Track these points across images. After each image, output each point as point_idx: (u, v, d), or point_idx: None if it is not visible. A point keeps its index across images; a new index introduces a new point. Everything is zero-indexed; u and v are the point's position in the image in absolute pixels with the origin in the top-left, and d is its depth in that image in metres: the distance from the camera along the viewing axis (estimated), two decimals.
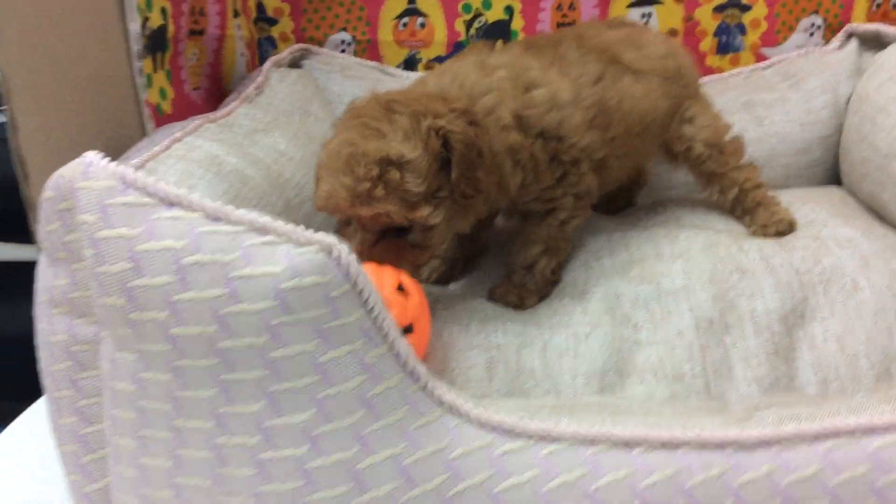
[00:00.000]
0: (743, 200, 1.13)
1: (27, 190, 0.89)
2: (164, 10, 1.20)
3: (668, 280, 0.96)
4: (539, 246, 1.02)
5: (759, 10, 1.50)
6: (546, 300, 1.00)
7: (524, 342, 0.90)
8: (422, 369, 0.69)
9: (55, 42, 0.96)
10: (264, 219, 0.65)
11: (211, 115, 1.08)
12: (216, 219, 0.65)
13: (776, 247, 1.00)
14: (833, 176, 1.35)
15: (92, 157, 0.68)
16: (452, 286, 1.07)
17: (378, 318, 0.66)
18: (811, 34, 1.51)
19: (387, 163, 0.82)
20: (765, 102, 1.35)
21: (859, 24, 1.41)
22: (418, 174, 0.83)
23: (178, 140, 0.93)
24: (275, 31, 1.57)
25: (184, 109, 1.26)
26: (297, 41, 1.56)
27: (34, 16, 0.92)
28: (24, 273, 0.81)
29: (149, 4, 1.15)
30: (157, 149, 0.89)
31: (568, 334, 0.91)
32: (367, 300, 0.65)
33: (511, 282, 1.02)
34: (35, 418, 0.99)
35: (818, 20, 1.50)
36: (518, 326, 0.92)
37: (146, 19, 1.15)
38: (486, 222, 1.11)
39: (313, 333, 0.64)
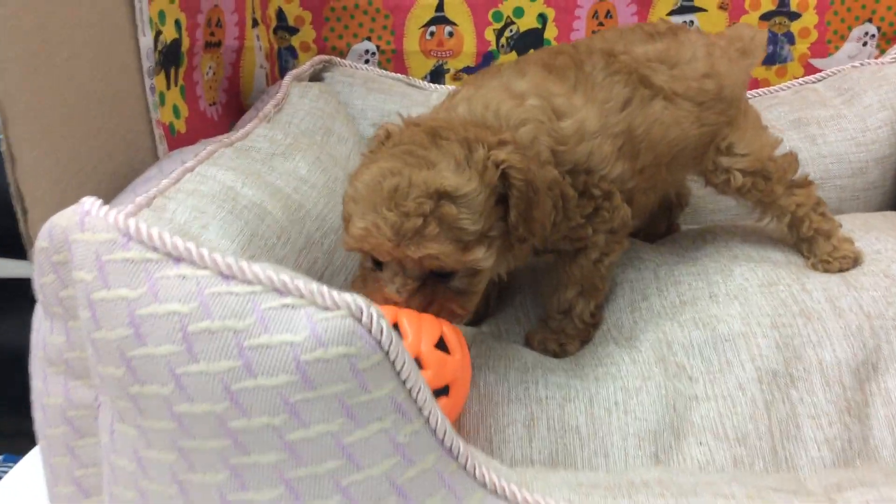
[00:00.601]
0: (798, 227, 1.03)
1: (26, 228, 0.82)
2: (178, 23, 1.12)
3: (724, 325, 0.87)
4: (574, 288, 0.93)
5: (809, 19, 1.41)
6: (589, 345, 0.92)
7: (567, 396, 0.82)
8: (460, 444, 0.61)
9: (60, 63, 0.88)
10: (283, 276, 0.57)
11: (226, 138, 1.00)
12: (228, 277, 0.57)
13: (842, 286, 0.91)
14: (891, 200, 1.26)
15: (89, 203, 0.60)
16: (485, 326, 0.99)
17: (413, 390, 0.58)
18: (864, 44, 1.42)
19: (441, 196, 0.72)
20: (818, 119, 1.26)
21: None
22: (474, 210, 0.73)
23: (190, 170, 0.86)
24: (295, 41, 1.49)
25: (199, 127, 1.19)
26: (319, 51, 1.49)
27: (38, 36, 0.85)
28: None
29: (162, 17, 1.08)
30: (165, 182, 0.81)
31: (616, 387, 0.82)
32: (400, 370, 0.58)
33: (548, 327, 0.94)
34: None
35: (872, 29, 1.41)
36: (560, 377, 0.84)
37: (159, 33, 1.07)
38: None
39: (339, 411, 0.56)
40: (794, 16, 1.41)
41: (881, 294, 0.90)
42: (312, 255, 0.89)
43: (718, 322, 0.88)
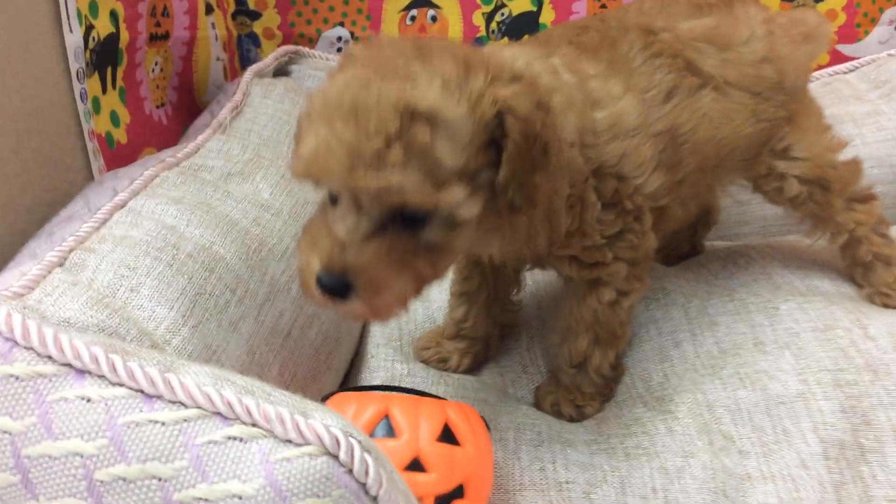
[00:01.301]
0: (855, 250, 0.89)
1: None
2: (114, 14, 0.95)
3: (777, 383, 0.73)
4: (587, 336, 0.77)
5: (837, 0, 1.25)
6: (613, 404, 0.77)
7: (594, 479, 0.67)
8: None
9: None
10: (228, 392, 0.41)
11: (170, 156, 0.83)
12: (151, 397, 0.41)
13: None
14: None
15: None
16: (486, 374, 0.84)
17: None
18: (893, 25, 1.27)
19: (414, 115, 0.56)
20: (854, 117, 1.11)
21: None
22: (456, 141, 0.57)
23: (121, 206, 0.69)
24: (258, 27, 1.32)
25: (144, 135, 1.02)
26: (285, 39, 1.31)
27: None
28: None
29: (93, 8, 0.90)
30: (86, 227, 0.64)
31: (653, 467, 0.68)
32: None
33: (561, 384, 0.78)
34: None
35: None
36: (583, 454, 0.69)
37: (90, 28, 0.90)
38: (514, 277, 0.87)
39: None
40: None
41: None
42: (277, 308, 0.73)
43: (769, 379, 0.73)
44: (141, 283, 0.60)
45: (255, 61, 1.26)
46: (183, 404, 0.41)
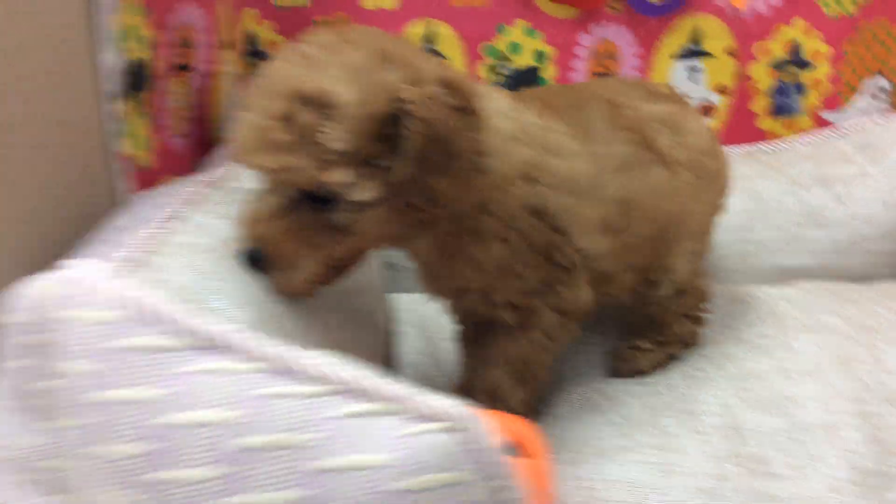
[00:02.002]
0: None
1: None
2: (144, 40, 0.96)
3: (803, 410, 0.76)
4: (503, 369, 0.78)
5: (822, 69, 1.33)
6: (647, 408, 0.79)
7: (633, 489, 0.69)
8: None
9: (10, 85, 0.72)
10: (356, 372, 0.42)
11: (207, 178, 0.84)
12: (283, 372, 0.42)
13: None
14: None
15: (81, 268, 0.44)
16: None
17: None
18: (874, 96, 1.35)
19: (300, 99, 0.60)
20: (843, 178, 1.17)
21: None
22: (343, 126, 0.60)
23: (177, 217, 0.70)
24: None
25: (167, 162, 1.03)
26: None
27: None
28: None
29: (126, 32, 0.92)
30: (147, 233, 0.64)
31: (688, 487, 0.70)
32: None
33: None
34: None
35: (883, 82, 1.35)
36: (622, 467, 0.71)
37: (125, 51, 0.91)
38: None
39: None
40: (806, 65, 1.33)
41: None
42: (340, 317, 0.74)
43: (796, 406, 0.76)
44: (216, 287, 0.60)
45: None
46: (313, 381, 0.42)
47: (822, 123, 1.35)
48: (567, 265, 0.75)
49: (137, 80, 0.96)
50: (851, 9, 1.31)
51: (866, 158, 1.20)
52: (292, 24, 1.31)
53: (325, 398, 0.42)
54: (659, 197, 0.81)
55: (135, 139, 0.94)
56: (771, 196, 1.15)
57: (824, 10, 1.31)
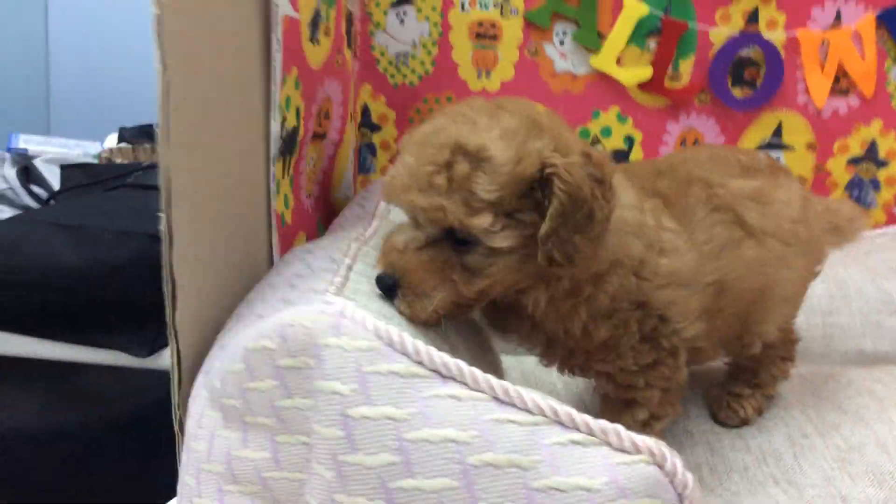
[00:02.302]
0: (744, 373, 0.98)
1: (172, 316, 0.74)
2: (298, 111, 1.08)
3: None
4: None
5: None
6: (747, 481, 0.85)
7: None
8: None
9: (212, 140, 0.82)
10: (565, 408, 0.50)
11: (358, 234, 0.94)
12: (507, 401, 0.51)
13: None
14: None
15: (342, 304, 0.53)
16: None
17: None
18: None
19: (460, 150, 0.68)
20: None
21: None
22: (494, 178, 0.67)
23: (350, 268, 0.79)
24: (377, 139, 1.45)
25: (300, 220, 1.13)
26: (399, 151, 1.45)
27: (200, 110, 0.79)
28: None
29: (288, 103, 1.03)
30: (333, 280, 0.73)
31: None
32: None
33: None
34: None
35: None
36: None
37: (284, 119, 1.02)
38: None
39: None
40: (882, 163, 1.42)
41: None
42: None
43: (895, 480, 0.82)
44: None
45: (370, 168, 1.40)
46: (531, 411, 0.50)
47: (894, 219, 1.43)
48: (671, 348, 0.80)
49: (290, 145, 1.06)
50: None
51: None
52: (403, 101, 1.43)
53: (544, 427, 0.50)
54: (748, 272, 0.84)
55: (282, 198, 1.05)
56: (853, 282, 1.22)
57: None
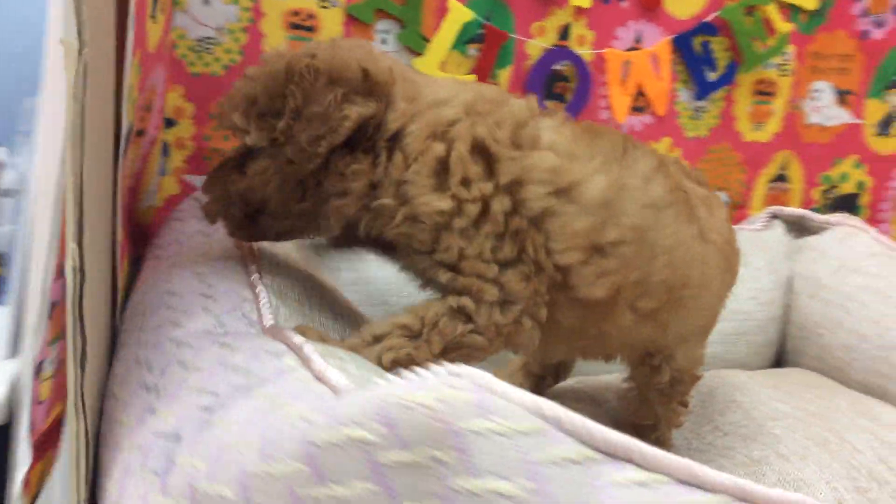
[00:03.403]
0: (644, 435, 0.91)
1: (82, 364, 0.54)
2: (134, 102, 0.86)
3: (816, 491, 0.86)
4: (405, 318, 0.69)
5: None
6: None
7: None
8: None
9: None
10: (752, 485, 0.44)
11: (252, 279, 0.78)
12: (685, 482, 0.43)
13: (883, 449, 0.95)
14: (779, 356, 1.38)
15: (480, 376, 0.42)
16: None
17: None
18: None
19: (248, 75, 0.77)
20: None
21: (783, 208, 1.49)
22: (246, 83, 0.76)
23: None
24: (170, 136, 1.24)
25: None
26: (197, 151, 1.26)
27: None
28: None
29: (130, 93, 0.82)
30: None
31: None
32: None
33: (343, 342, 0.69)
34: None
35: (724, 196, 1.56)
36: None
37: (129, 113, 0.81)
38: None
39: None
40: None
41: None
42: None
43: (808, 487, 0.86)
44: None
45: (163, 171, 1.20)
46: (715, 489, 0.43)
47: None
48: (535, 261, 0.70)
49: (126, 144, 0.85)
50: (704, 131, 1.52)
51: None
52: (204, 92, 1.24)
53: None
54: (679, 248, 0.78)
55: None
56: None
57: (685, 132, 1.50)
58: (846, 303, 1.24)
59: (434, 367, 0.43)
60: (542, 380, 1.08)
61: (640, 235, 0.75)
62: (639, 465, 0.41)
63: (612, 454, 0.41)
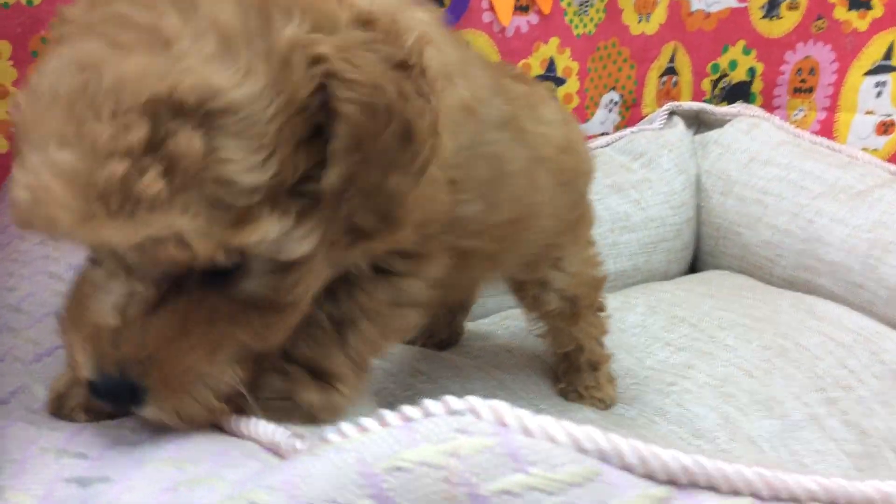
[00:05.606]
0: (575, 357, 0.85)
1: None
2: None
3: (788, 407, 0.80)
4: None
5: (572, 85, 1.41)
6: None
7: None
8: None
9: None
10: None
11: None
12: (773, 498, 0.32)
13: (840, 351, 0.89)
14: (694, 258, 1.31)
15: (506, 411, 0.29)
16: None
17: None
18: (609, 110, 1.48)
19: (171, 108, 0.36)
20: (632, 183, 1.25)
21: (680, 103, 1.41)
22: (253, 140, 0.38)
23: None
24: None
25: None
26: None
27: None
28: None
29: None
30: None
31: None
32: None
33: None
34: None
35: (615, 96, 1.47)
36: None
37: None
38: None
39: None
40: (561, 81, 1.40)
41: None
42: None
43: (778, 404, 0.79)
44: None
45: None
46: None
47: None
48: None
49: None
50: (591, 28, 1.41)
51: (641, 165, 1.29)
52: (13, 28, 1.00)
53: None
54: (528, 179, 0.65)
55: None
56: None
57: (573, 30, 1.39)
58: (762, 197, 1.18)
59: (426, 401, 0.29)
60: None
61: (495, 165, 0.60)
62: (716, 490, 0.30)
63: (693, 484, 0.29)
